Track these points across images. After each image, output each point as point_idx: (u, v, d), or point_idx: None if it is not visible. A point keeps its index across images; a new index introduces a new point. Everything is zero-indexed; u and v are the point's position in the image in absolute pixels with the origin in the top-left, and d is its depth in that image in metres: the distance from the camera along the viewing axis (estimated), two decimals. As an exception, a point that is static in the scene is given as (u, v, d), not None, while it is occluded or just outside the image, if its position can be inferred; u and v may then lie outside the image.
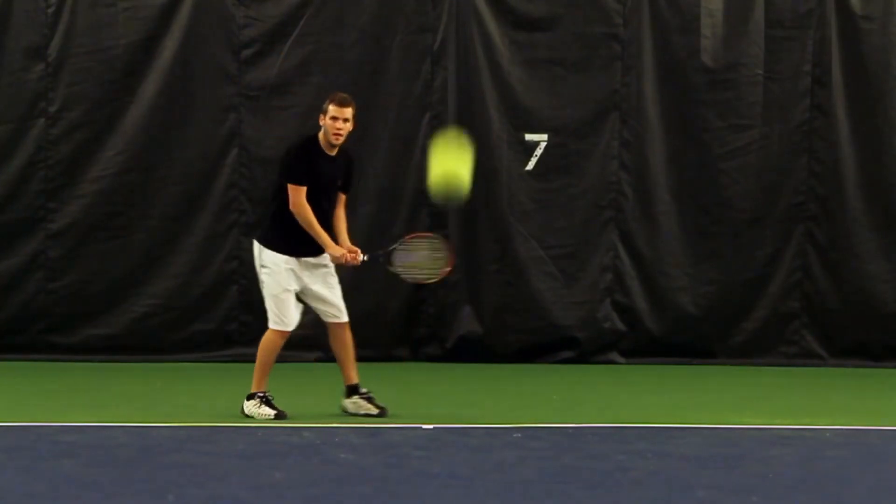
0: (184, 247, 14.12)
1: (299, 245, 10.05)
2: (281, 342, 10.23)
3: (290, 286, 10.08)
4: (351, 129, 10.09)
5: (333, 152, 10.09)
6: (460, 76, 14.26)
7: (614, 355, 14.46)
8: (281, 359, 13.97)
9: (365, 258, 10.14)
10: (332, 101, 10.04)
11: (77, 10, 13.89)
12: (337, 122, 9.98)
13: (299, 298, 10.21)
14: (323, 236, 10.00)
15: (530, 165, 14.33)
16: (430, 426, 9.81)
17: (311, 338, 13.88)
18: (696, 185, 14.47)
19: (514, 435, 9.52)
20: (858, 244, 14.47)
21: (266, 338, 10.21)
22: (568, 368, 14.10)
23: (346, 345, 10.32)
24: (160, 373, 13.25)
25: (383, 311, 14.24)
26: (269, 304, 10.12)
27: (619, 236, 14.45)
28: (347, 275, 14.07)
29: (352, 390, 10.38)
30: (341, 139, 10.03)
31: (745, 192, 14.46)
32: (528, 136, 14.32)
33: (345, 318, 10.29)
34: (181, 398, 11.65)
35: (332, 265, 10.22)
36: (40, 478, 7.77)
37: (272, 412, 10.04)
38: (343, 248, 10.09)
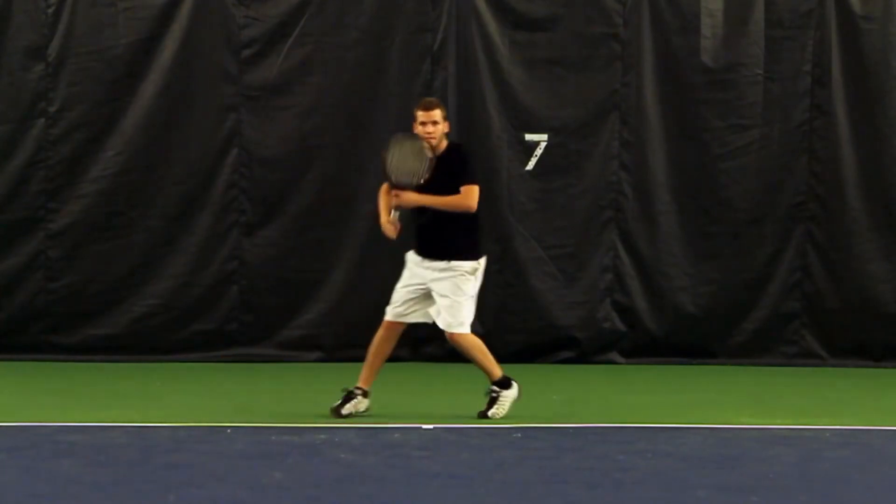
0: (184, 247, 14.09)
1: None
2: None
3: None
4: (445, 129, 10.19)
5: (434, 153, 10.14)
6: (460, 76, 14.25)
7: (614, 355, 14.45)
8: (281, 359, 14.11)
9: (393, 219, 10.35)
10: (418, 108, 10.21)
11: (77, 10, 13.87)
12: (426, 126, 10.12)
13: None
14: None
15: (530, 165, 14.32)
16: (430, 426, 9.81)
17: (311, 338, 13.95)
18: (696, 185, 14.46)
19: (514, 435, 9.52)
20: (858, 244, 14.46)
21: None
22: (568, 368, 14.09)
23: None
24: (160, 373, 13.24)
25: (384, 311, 14.20)
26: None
27: (619, 236, 14.43)
28: (348, 275, 14.19)
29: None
30: (435, 141, 10.13)
31: (745, 192, 14.45)
32: (528, 136, 14.30)
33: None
34: (181, 398, 11.65)
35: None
36: (40, 478, 7.77)
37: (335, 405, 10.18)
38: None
